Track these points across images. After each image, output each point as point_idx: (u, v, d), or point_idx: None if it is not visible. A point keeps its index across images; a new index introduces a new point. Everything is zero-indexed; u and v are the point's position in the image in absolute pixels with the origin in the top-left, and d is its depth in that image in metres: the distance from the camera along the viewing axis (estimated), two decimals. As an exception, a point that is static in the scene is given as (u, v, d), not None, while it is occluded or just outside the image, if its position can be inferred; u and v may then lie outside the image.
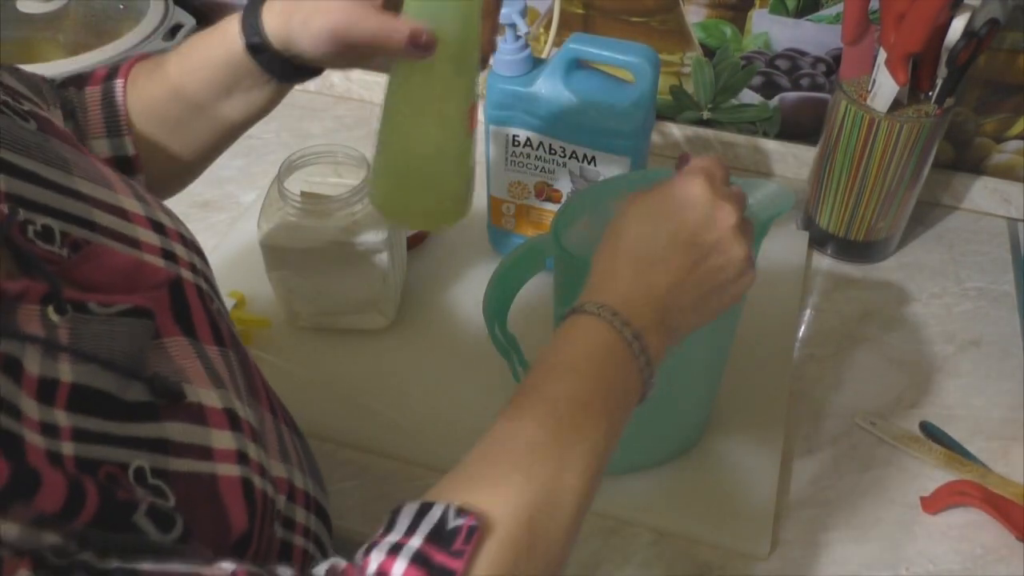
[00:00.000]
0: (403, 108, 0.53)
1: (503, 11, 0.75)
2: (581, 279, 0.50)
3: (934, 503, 0.71)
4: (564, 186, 0.84)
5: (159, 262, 0.47)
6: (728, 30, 0.97)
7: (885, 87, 0.81)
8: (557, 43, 1.01)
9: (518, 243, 0.63)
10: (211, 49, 0.56)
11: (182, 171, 0.65)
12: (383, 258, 0.78)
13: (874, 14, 0.84)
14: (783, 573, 0.68)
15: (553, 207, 0.86)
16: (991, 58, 0.90)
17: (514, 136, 0.82)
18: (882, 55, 0.80)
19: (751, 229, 0.50)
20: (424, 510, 0.39)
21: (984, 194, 1.00)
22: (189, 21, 1.04)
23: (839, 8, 0.92)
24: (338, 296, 0.82)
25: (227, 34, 0.55)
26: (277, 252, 0.78)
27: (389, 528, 0.40)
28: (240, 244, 0.93)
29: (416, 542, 0.38)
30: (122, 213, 0.47)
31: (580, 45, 0.76)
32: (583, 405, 0.44)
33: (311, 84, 1.19)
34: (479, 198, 0.90)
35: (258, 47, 0.54)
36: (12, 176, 0.42)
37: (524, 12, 0.76)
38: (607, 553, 0.69)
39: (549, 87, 0.78)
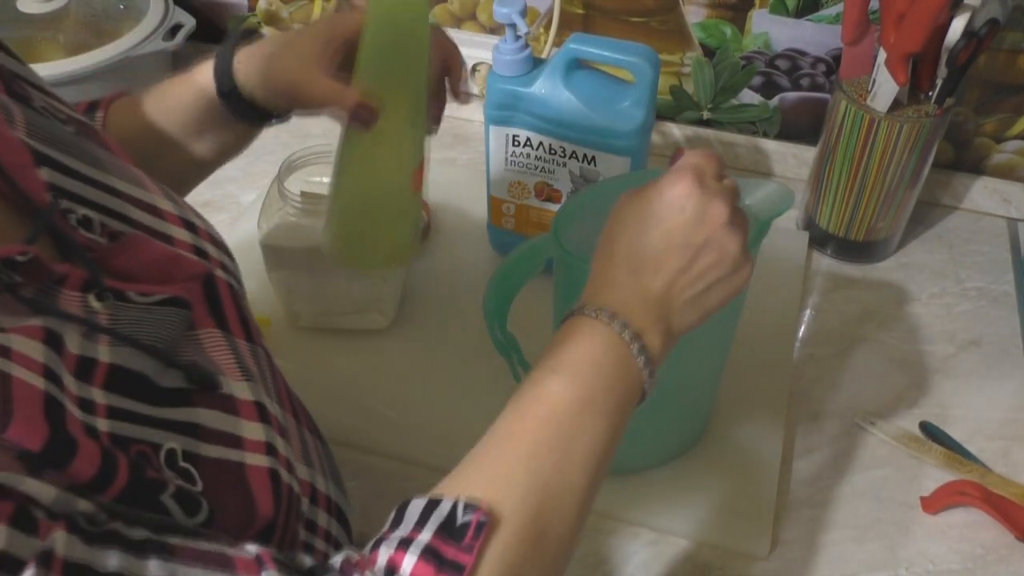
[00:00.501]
0: (350, 164, 0.57)
1: (503, 11, 0.75)
2: (581, 279, 0.50)
3: (934, 503, 0.71)
4: (564, 186, 0.84)
5: (192, 258, 0.48)
6: (728, 30, 0.97)
7: (885, 87, 0.81)
8: (557, 43, 1.01)
9: (518, 243, 0.63)
10: (185, 93, 0.60)
11: None
12: (383, 258, 0.78)
13: (874, 14, 0.84)
14: (783, 573, 0.68)
15: (553, 207, 0.86)
16: (991, 58, 0.90)
17: (514, 136, 0.82)
18: (882, 55, 0.80)
19: (745, 221, 0.50)
20: (433, 505, 0.40)
21: (984, 194, 1.00)
22: (189, 21, 1.04)
23: (839, 8, 0.92)
24: (338, 296, 0.82)
25: (200, 79, 0.59)
26: (277, 252, 0.78)
27: (397, 523, 0.40)
28: (240, 244, 0.93)
29: (426, 537, 0.38)
30: (156, 211, 0.48)
31: (580, 45, 0.76)
32: (584, 403, 0.44)
33: (311, 84, 1.19)
34: (480, 199, 0.91)
35: (228, 93, 0.58)
36: (54, 170, 0.43)
37: (524, 12, 0.76)
38: (607, 553, 0.69)
39: (549, 87, 0.78)
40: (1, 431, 0.31)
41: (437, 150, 1.09)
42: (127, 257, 0.42)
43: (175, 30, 1.03)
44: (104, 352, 0.38)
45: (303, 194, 0.77)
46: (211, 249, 0.51)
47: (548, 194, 0.85)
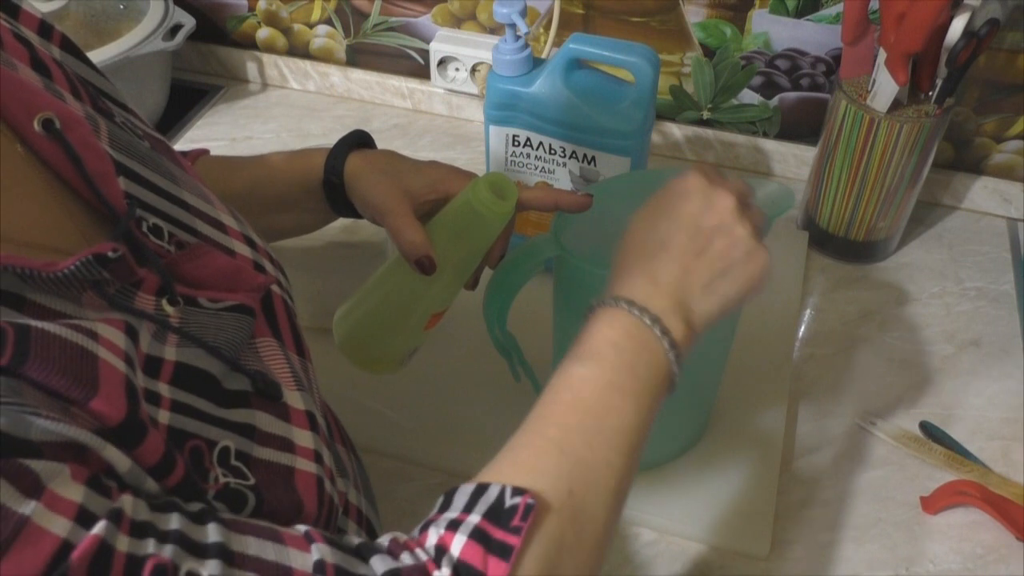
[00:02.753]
0: (390, 284, 0.63)
1: (503, 11, 0.75)
2: (581, 279, 0.50)
3: (934, 503, 0.71)
4: (564, 186, 0.84)
5: (253, 271, 0.50)
6: (728, 30, 0.97)
7: (885, 87, 0.81)
8: (557, 43, 1.01)
9: (518, 243, 0.63)
10: (293, 170, 0.66)
11: None
12: (383, 258, 0.78)
13: (874, 14, 0.84)
14: (783, 573, 0.68)
15: (553, 207, 0.86)
16: (991, 58, 0.90)
17: (514, 136, 0.82)
18: (882, 55, 0.80)
19: (756, 214, 0.51)
20: (481, 490, 0.41)
21: (984, 194, 1.00)
22: (189, 21, 1.04)
23: (839, 8, 0.92)
24: (338, 296, 0.82)
25: (311, 163, 0.65)
26: (277, 252, 0.78)
27: (445, 507, 0.41)
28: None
29: (474, 519, 0.39)
30: (220, 226, 0.50)
31: (580, 45, 0.76)
32: (609, 384, 0.45)
33: (311, 84, 1.20)
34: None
35: (332, 185, 0.64)
36: (131, 180, 0.45)
37: (524, 12, 0.76)
38: (607, 553, 0.69)
39: (549, 87, 0.78)
40: (87, 401, 0.33)
41: (438, 150, 1.10)
42: (194, 265, 0.44)
43: (175, 30, 1.03)
44: (171, 352, 0.41)
45: (303, 194, 0.77)
46: (268, 265, 0.53)
47: (548, 194, 0.85)
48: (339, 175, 0.63)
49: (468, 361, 0.82)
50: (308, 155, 0.66)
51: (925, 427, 0.78)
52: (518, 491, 0.40)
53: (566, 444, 0.43)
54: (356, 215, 0.66)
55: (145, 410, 0.36)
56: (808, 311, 0.89)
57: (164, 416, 0.38)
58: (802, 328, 0.87)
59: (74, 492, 0.30)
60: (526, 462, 0.43)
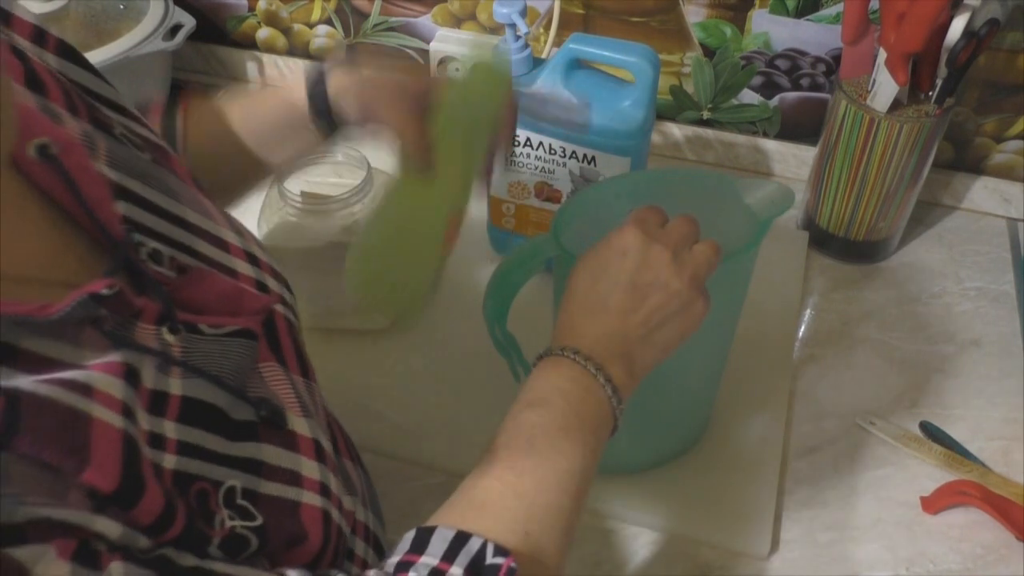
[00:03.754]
0: (391, 202, 0.59)
1: (503, 11, 0.75)
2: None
3: (934, 503, 0.71)
4: (564, 186, 0.84)
5: (255, 292, 0.50)
6: (728, 30, 0.97)
7: (885, 87, 0.81)
8: (557, 43, 1.01)
9: (518, 243, 0.63)
10: (277, 105, 0.64)
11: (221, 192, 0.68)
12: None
13: (874, 14, 0.84)
14: (783, 573, 0.68)
15: (553, 207, 0.86)
16: (991, 58, 0.90)
17: (514, 136, 0.82)
18: (882, 55, 0.80)
19: (698, 256, 0.53)
20: (462, 539, 0.41)
21: (984, 194, 1.00)
22: (189, 21, 1.04)
23: (839, 8, 0.92)
24: (338, 296, 0.82)
25: (293, 97, 0.62)
26: (277, 252, 0.78)
27: (420, 548, 0.41)
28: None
29: (456, 572, 0.40)
30: (222, 244, 0.50)
31: (580, 45, 0.76)
32: (559, 430, 0.48)
33: (311, 84, 1.19)
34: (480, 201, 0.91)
35: (320, 113, 0.61)
36: (130, 202, 0.44)
37: (524, 12, 0.76)
38: (607, 553, 0.69)
39: (549, 87, 0.78)
40: (78, 474, 0.32)
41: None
42: (195, 290, 0.44)
43: (175, 30, 1.03)
44: (176, 385, 0.40)
45: (303, 194, 0.77)
46: (271, 283, 0.52)
47: (548, 194, 0.85)
48: (325, 102, 0.61)
49: (468, 361, 0.82)
50: (285, 90, 0.64)
51: (925, 427, 0.78)
52: (500, 551, 0.41)
53: (520, 487, 0.45)
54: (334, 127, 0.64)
55: (147, 465, 0.35)
56: (808, 311, 0.89)
57: (170, 461, 0.38)
58: (802, 328, 0.87)
59: (60, 569, 0.30)
60: (484, 505, 0.44)
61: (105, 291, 0.37)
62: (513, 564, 0.40)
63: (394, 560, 0.42)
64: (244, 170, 0.66)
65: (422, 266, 0.60)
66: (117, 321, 0.39)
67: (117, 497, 0.34)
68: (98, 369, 0.36)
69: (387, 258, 0.60)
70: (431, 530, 0.42)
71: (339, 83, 0.61)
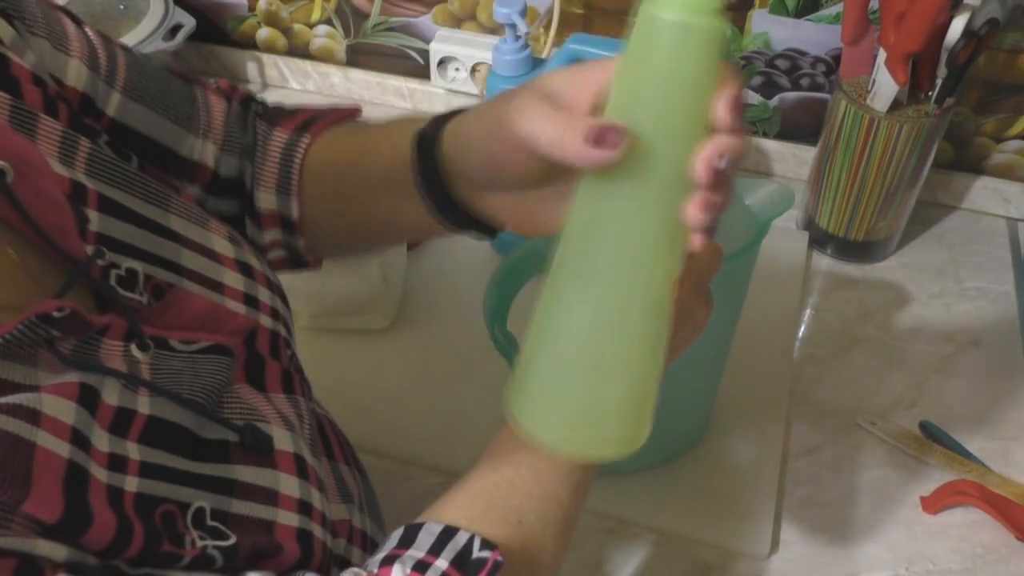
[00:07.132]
0: (579, 268, 0.36)
1: (503, 11, 0.75)
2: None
3: (934, 503, 0.71)
4: (564, 186, 0.83)
5: (240, 308, 0.47)
6: (728, 30, 0.97)
7: (885, 87, 0.81)
8: (557, 43, 1.00)
9: (518, 243, 0.63)
10: (394, 131, 0.51)
11: (341, 245, 0.60)
12: (383, 258, 0.78)
13: (874, 14, 0.84)
14: (783, 573, 0.68)
15: (553, 207, 0.86)
16: (991, 58, 0.90)
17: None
18: (882, 55, 0.80)
19: (694, 264, 0.46)
20: (449, 533, 0.41)
21: (984, 194, 0.99)
22: (189, 21, 1.04)
23: (839, 8, 0.91)
24: (338, 296, 0.82)
25: (409, 125, 0.49)
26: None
27: (407, 543, 0.41)
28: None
29: (442, 564, 0.39)
30: (211, 254, 0.47)
31: (580, 45, 0.76)
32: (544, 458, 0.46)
33: (310, 84, 1.20)
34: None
35: (426, 176, 0.47)
36: (110, 214, 0.42)
37: (524, 12, 0.76)
38: (607, 553, 0.69)
39: (549, 87, 0.78)
40: (17, 505, 0.32)
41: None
42: (169, 315, 0.42)
43: (175, 30, 1.03)
44: (144, 403, 0.39)
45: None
46: (263, 294, 0.49)
47: (548, 194, 0.85)
48: (433, 142, 0.46)
49: (468, 361, 0.82)
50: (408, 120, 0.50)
51: (925, 427, 0.78)
52: (487, 544, 0.40)
53: (517, 479, 0.44)
54: (464, 221, 0.49)
55: (98, 491, 0.34)
56: (808, 311, 0.89)
57: (132, 483, 0.36)
58: (802, 328, 0.87)
59: None
60: (478, 494, 0.44)
61: (56, 313, 0.35)
62: (499, 558, 0.40)
63: (379, 556, 0.41)
64: (357, 213, 0.54)
65: (642, 379, 0.38)
66: (78, 340, 0.38)
67: (61, 527, 0.33)
68: (51, 392, 0.35)
69: (584, 361, 0.37)
70: (419, 526, 0.42)
71: (455, 128, 0.45)
